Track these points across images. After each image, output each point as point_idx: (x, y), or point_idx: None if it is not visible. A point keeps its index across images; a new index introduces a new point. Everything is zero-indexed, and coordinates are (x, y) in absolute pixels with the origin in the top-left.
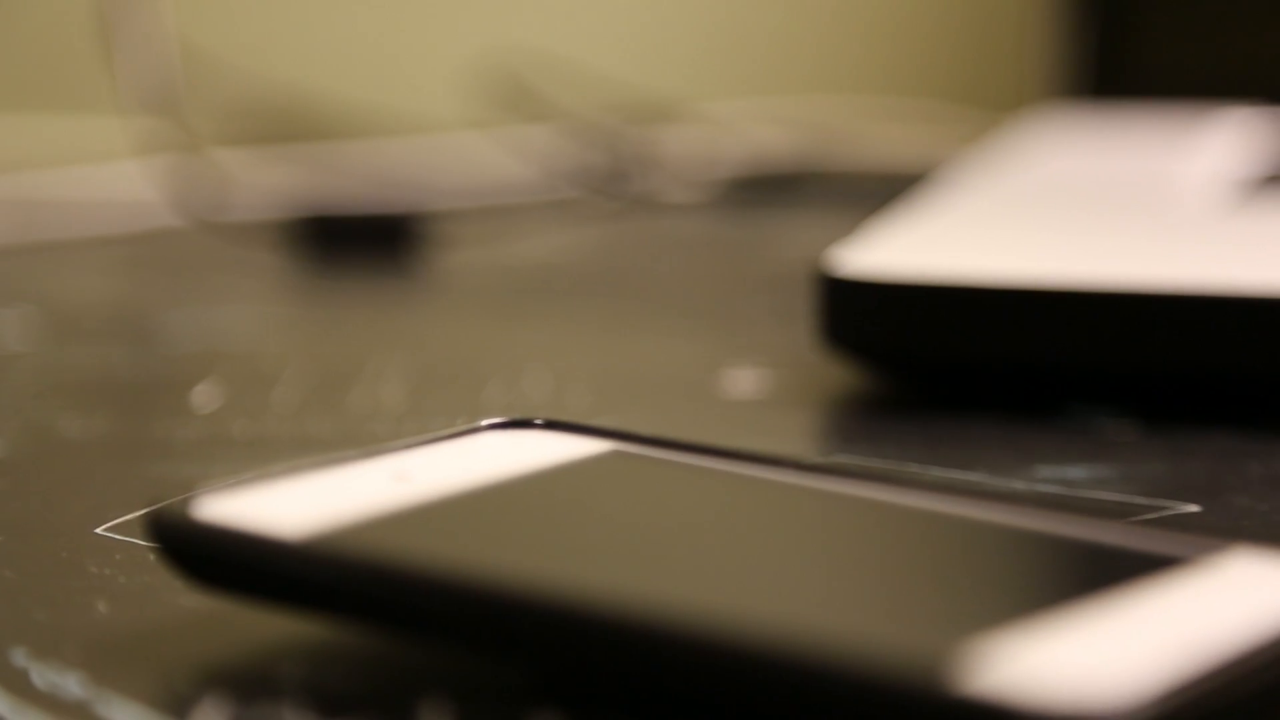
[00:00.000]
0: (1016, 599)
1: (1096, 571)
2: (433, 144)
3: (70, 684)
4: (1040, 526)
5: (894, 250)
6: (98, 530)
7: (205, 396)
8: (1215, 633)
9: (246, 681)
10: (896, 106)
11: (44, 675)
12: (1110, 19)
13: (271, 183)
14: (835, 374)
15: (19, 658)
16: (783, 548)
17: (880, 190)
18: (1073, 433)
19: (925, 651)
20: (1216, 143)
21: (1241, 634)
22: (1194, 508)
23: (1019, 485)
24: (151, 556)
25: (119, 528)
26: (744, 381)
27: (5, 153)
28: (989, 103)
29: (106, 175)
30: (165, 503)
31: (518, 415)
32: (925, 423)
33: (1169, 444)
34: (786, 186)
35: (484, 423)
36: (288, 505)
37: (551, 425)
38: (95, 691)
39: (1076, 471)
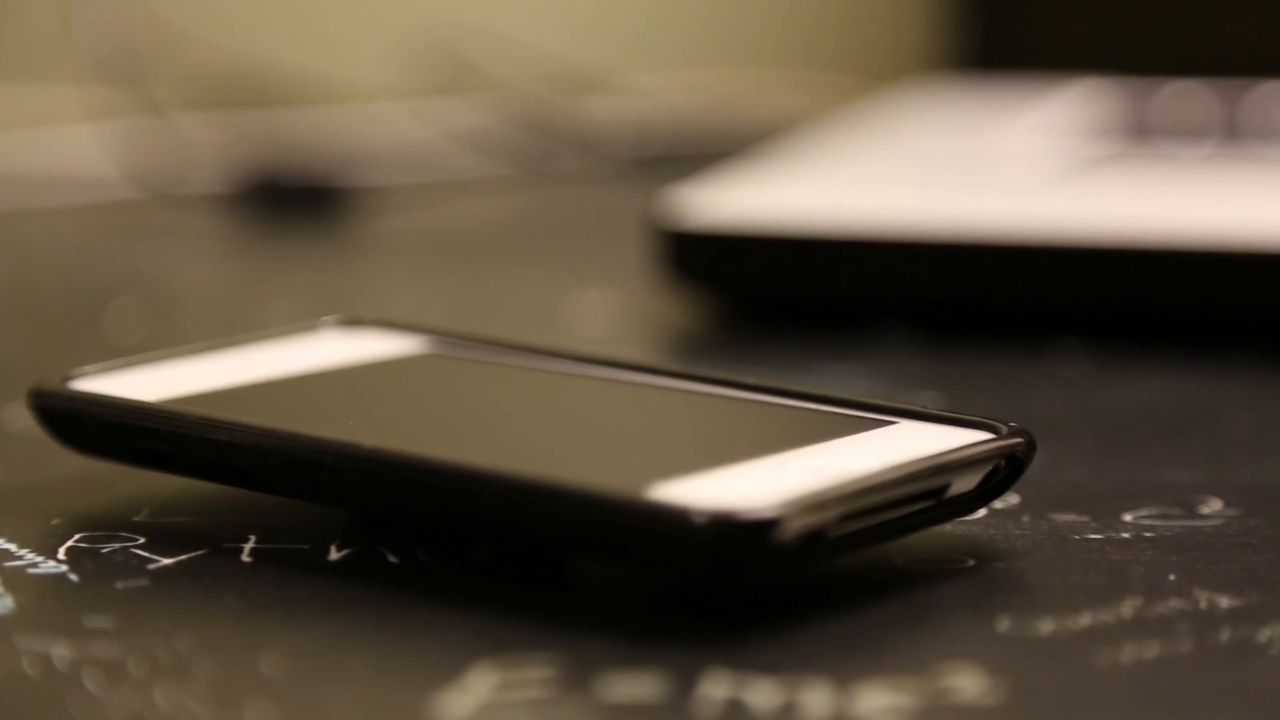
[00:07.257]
0: (717, 449)
1: (792, 429)
2: (370, 113)
3: None
4: (759, 400)
5: (714, 200)
6: (1, 416)
7: (118, 319)
8: (858, 469)
9: (107, 524)
10: (810, 80)
11: None
12: None
13: (215, 148)
14: (666, 298)
15: None
16: (549, 416)
17: None
18: (858, 343)
19: (629, 480)
20: (1072, 114)
21: (878, 470)
22: (931, 398)
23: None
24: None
25: (22, 416)
26: (589, 302)
27: None
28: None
29: (62, 141)
30: (45, 378)
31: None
32: (734, 334)
33: (941, 356)
34: (696, 155)
35: (323, 319)
36: (146, 381)
37: (380, 324)
38: None
39: (849, 369)
